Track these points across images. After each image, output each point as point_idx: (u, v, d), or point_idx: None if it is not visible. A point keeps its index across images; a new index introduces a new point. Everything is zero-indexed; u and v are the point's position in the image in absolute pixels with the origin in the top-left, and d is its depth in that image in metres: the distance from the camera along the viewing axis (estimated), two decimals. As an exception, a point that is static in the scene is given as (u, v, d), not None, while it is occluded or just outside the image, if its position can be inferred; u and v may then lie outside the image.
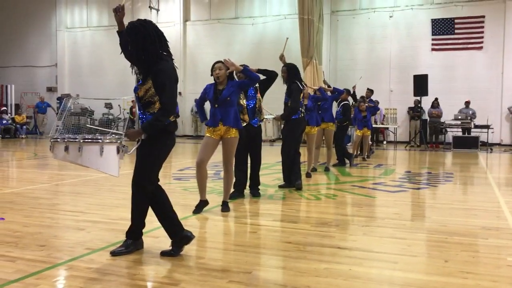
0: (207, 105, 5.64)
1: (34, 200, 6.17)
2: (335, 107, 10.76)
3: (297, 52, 17.15)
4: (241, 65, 5.48)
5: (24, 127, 20.68)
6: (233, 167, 5.73)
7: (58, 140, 3.70)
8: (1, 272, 3.38)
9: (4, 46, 24.27)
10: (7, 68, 24.23)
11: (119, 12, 3.80)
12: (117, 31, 3.89)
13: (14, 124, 20.18)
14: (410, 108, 18.01)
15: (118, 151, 3.69)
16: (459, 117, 16.25)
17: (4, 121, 19.79)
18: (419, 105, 17.14)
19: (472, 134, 16.16)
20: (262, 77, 6.20)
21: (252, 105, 6.31)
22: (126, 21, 3.85)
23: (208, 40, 21.22)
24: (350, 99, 11.52)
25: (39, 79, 24.05)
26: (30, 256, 3.74)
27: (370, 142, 12.60)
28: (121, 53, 3.89)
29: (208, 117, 5.47)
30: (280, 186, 7.27)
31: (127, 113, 20.76)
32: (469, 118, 16.28)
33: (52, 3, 23.70)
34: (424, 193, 7.27)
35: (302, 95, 7.23)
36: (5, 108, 20.72)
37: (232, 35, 20.82)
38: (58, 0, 23.52)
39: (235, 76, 5.64)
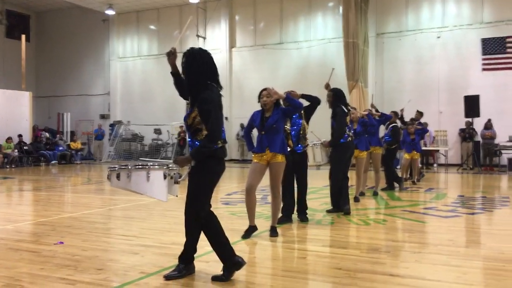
0: (255, 132, 5.74)
1: (90, 224, 6.43)
2: (382, 131, 10.64)
3: (342, 76, 17.13)
4: (284, 93, 5.57)
5: (79, 153, 21.61)
6: (281, 192, 5.76)
7: (115, 169, 3.90)
8: (63, 294, 3.55)
9: (61, 77, 25.70)
10: (64, 97, 25.58)
11: (171, 55, 3.99)
12: (171, 73, 4.04)
13: (69, 151, 21.13)
14: (461, 130, 17.48)
15: (164, 177, 3.85)
16: (514, 138, 15.65)
17: (61, 148, 20.78)
18: (471, 126, 16.62)
19: (529, 156, 15.46)
20: (306, 103, 6.25)
21: (296, 131, 6.36)
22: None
23: (254, 65, 21.60)
24: (398, 121, 11.35)
25: (93, 107, 25.19)
26: (88, 279, 3.91)
27: (419, 165, 12.32)
28: (174, 84, 4.07)
29: (255, 144, 5.57)
30: (328, 211, 7.22)
31: (176, 138, 21.32)
32: (525, 139, 15.64)
33: (105, 35, 24.97)
34: (479, 218, 7.02)
35: (349, 119, 7.23)
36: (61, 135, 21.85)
37: (277, 60, 21.09)
38: (111, 31, 24.77)
39: (281, 103, 5.73)
